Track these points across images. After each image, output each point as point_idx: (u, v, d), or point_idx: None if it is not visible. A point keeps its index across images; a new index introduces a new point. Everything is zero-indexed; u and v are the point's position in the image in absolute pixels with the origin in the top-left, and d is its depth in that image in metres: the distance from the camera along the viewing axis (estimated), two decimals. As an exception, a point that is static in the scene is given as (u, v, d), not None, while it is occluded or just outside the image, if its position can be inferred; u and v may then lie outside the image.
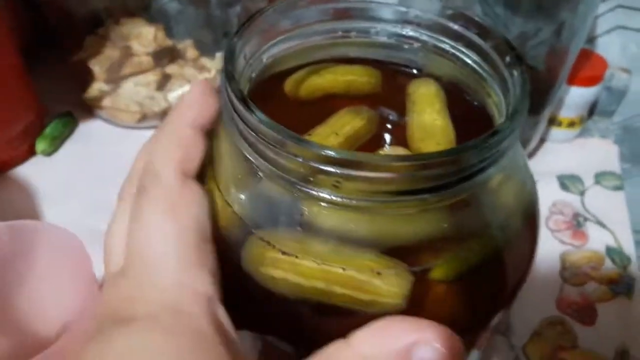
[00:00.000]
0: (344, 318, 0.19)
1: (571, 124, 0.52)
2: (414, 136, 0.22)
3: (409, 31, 0.24)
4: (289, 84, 0.24)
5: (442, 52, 0.24)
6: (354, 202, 0.17)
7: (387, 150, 0.23)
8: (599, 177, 0.50)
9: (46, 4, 0.49)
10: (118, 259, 0.19)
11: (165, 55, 0.50)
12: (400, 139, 0.23)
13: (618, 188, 0.49)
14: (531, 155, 0.52)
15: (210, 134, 0.21)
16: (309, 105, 0.24)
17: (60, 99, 0.53)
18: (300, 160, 0.17)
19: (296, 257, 0.18)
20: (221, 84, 0.20)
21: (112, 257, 0.19)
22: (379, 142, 0.23)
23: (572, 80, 0.49)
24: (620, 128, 0.56)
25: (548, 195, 0.48)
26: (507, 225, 0.20)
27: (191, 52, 0.51)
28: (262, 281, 0.19)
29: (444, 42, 0.23)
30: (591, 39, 0.54)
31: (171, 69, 0.51)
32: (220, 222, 0.20)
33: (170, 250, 0.18)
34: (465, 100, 0.24)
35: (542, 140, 0.53)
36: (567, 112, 0.51)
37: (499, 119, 0.21)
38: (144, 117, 0.51)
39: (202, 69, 0.52)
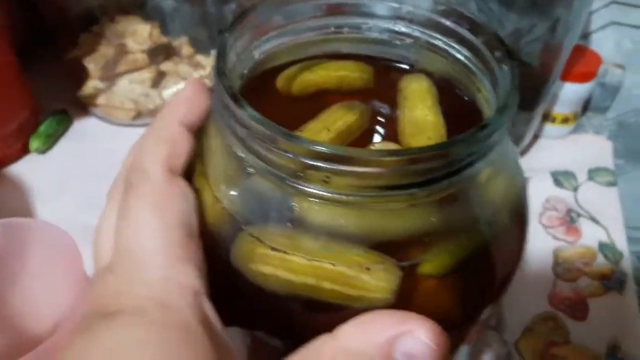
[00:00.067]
0: (333, 313, 0.19)
1: (565, 120, 0.52)
2: (406, 131, 0.22)
3: (401, 27, 0.24)
4: (281, 80, 0.24)
5: (434, 48, 0.24)
6: (343, 197, 0.17)
7: (379, 145, 0.23)
8: (593, 173, 0.50)
9: (41, 2, 0.49)
10: (106, 255, 0.19)
11: (161, 53, 0.50)
12: (392, 134, 0.23)
13: (611, 184, 0.49)
14: (525, 151, 0.52)
15: (201, 130, 0.21)
16: (302, 101, 0.25)
17: (55, 97, 0.53)
18: (290, 155, 0.17)
19: (286, 253, 0.19)
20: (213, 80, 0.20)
21: (100, 254, 0.19)
22: (370, 138, 0.23)
23: (566, 76, 0.49)
24: (615, 124, 0.56)
25: (541, 191, 0.49)
26: (496, 220, 0.20)
27: (186, 50, 0.51)
28: (252, 277, 0.19)
29: (436, 37, 0.23)
30: (585, 35, 0.54)
31: (166, 66, 0.51)
32: (211, 218, 0.20)
33: (156, 246, 0.18)
34: (456, 96, 0.24)
35: (536, 137, 0.53)
36: (561, 108, 0.51)
37: (489, 114, 0.21)
38: (138, 115, 0.51)
39: (197, 66, 0.52)
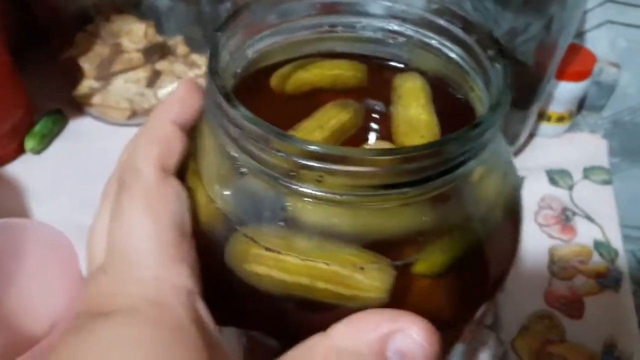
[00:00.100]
0: (328, 313, 0.19)
1: (560, 119, 0.52)
2: (399, 130, 0.22)
3: (394, 26, 0.24)
4: (275, 79, 0.24)
5: (428, 47, 0.24)
6: (336, 196, 0.17)
7: (373, 144, 0.23)
8: (588, 172, 0.50)
9: (35, 1, 0.49)
10: (100, 255, 0.19)
11: (156, 52, 0.50)
12: (386, 132, 0.23)
13: (606, 182, 0.50)
14: (520, 150, 0.52)
15: (194, 129, 0.21)
16: (296, 100, 0.24)
17: (50, 97, 0.52)
18: (283, 155, 0.17)
19: (280, 253, 0.19)
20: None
21: (94, 254, 0.19)
22: (364, 136, 0.23)
23: (561, 75, 0.49)
24: (610, 122, 0.56)
25: (537, 190, 0.49)
26: (489, 218, 0.20)
27: (182, 49, 0.51)
28: (246, 277, 0.19)
29: (429, 36, 0.23)
30: (580, 34, 0.54)
31: (161, 65, 0.51)
32: (204, 218, 0.20)
33: (149, 247, 0.18)
34: (450, 95, 0.24)
35: (532, 135, 0.53)
36: (556, 107, 0.51)
37: (482, 112, 0.21)
38: (134, 114, 0.51)
39: (192, 65, 0.52)
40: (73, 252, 0.32)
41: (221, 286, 0.20)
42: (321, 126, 0.22)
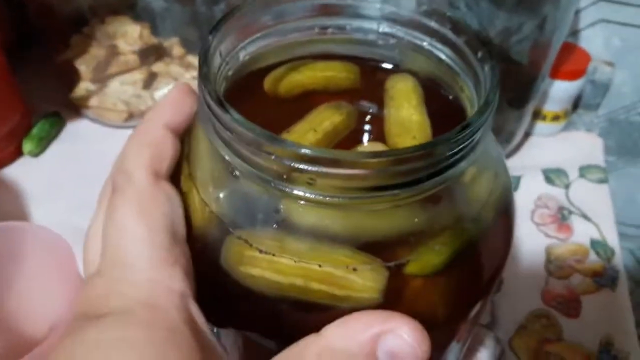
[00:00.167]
0: (322, 313, 0.19)
1: (556, 118, 0.52)
2: (392, 131, 0.23)
3: (385, 28, 0.24)
4: (268, 82, 0.24)
5: (418, 48, 0.24)
6: (328, 198, 0.17)
7: (366, 145, 0.23)
8: (584, 171, 0.51)
9: (30, 3, 0.49)
10: (96, 258, 0.19)
11: (152, 54, 0.50)
12: (379, 133, 0.23)
13: (602, 181, 0.50)
14: (516, 149, 0.52)
15: (187, 133, 0.22)
16: (289, 102, 0.25)
17: (47, 99, 0.53)
18: (275, 158, 0.17)
19: (274, 255, 0.19)
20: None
21: (91, 257, 0.20)
22: (357, 138, 0.24)
23: (556, 74, 0.49)
24: (605, 121, 0.56)
25: (533, 189, 0.49)
26: (481, 218, 0.20)
27: (177, 50, 0.51)
28: (241, 279, 0.19)
29: (420, 38, 0.24)
30: (574, 33, 0.55)
31: (157, 67, 0.51)
32: (199, 220, 0.20)
33: (142, 250, 0.18)
34: (441, 96, 0.24)
35: (527, 134, 0.53)
36: (551, 106, 0.51)
37: (472, 113, 0.21)
38: (130, 116, 0.51)
39: (188, 66, 0.52)
40: (71, 254, 0.32)
41: (217, 288, 0.20)
42: (314, 128, 0.22)
